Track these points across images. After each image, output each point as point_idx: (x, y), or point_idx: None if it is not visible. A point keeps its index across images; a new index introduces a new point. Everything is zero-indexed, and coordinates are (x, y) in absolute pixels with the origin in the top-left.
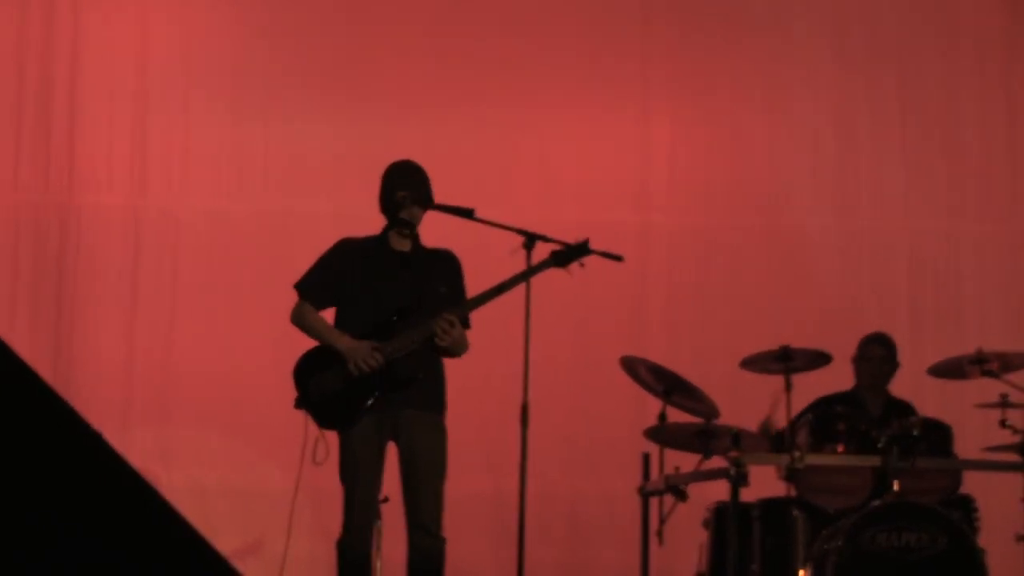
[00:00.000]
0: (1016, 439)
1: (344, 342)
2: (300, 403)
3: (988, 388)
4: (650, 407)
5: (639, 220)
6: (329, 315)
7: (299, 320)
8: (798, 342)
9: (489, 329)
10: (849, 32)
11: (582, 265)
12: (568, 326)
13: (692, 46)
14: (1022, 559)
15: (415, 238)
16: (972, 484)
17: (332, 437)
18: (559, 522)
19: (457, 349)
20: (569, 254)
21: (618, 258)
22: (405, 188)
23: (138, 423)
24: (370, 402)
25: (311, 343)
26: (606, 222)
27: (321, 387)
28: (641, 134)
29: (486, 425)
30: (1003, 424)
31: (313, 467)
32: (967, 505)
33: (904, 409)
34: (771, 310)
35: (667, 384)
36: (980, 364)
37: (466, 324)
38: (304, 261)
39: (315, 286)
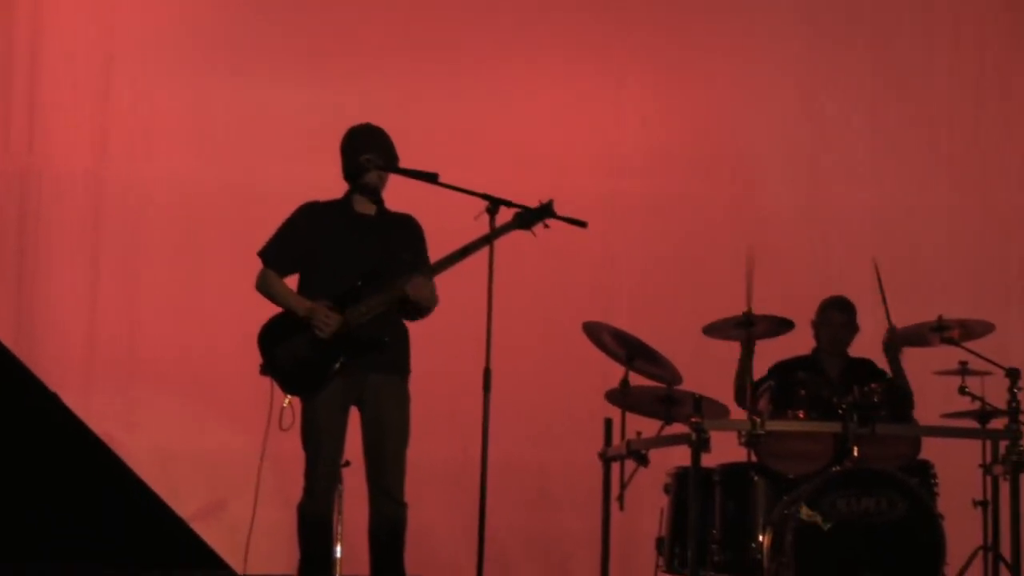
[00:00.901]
0: (975, 406)
1: (306, 308)
2: (265, 369)
3: (948, 355)
4: (613, 373)
5: (607, 187)
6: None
7: (264, 287)
8: (763, 309)
9: (453, 294)
10: (820, 4)
11: (546, 227)
12: (533, 292)
13: (664, 16)
14: (979, 524)
15: (379, 202)
16: (931, 450)
17: (297, 403)
18: (521, 487)
19: (428, 305)
20: (532, 216)
21: (582, 224)
22: (368, 151)
23: (101, 388)
24: (336, 367)
25: (276, 309)
26: (574, 189)
27: (288, 353)
28: (612, 102)
29: (449, 390)
30: (962, 391)
31: (274, 432)
32: (926, 471)
33: (864, 367)
34: (736, 277)
35: (630, 350)
36: (941, 331)
37: None
38: (269, 228)
39: (279, 253)
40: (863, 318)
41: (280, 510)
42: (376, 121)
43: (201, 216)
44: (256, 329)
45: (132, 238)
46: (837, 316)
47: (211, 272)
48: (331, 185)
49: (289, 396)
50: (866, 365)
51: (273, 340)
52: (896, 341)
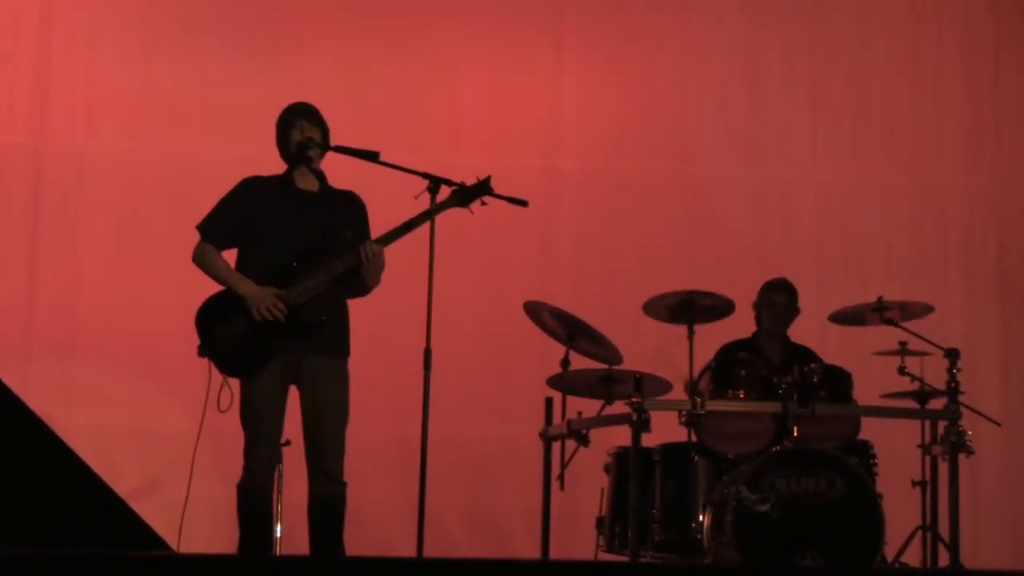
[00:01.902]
0: (914, 386)
1: (246, 287)
2: (203, 351)
3: (888, 335)
4: (554, 352)
5: (547, 165)
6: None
7: (200, 261)
8: (703, 288)
9: (393, 273)
10: None
11: (484, 203)
12: (473, 271)
13: None
14: (918, 504)
15: (322, 179)
16: (871, 430)
17: (235, 383)
18: (462, 466)
19: (372, 278)
20: (470, 192)
21: (523, 203)
22: (306, 128)
23: (39, 363)
24: (274, 348)
25: (217, 285)
26: (514, 167)
27: (226, 334)
28: (551, 80)
29: (389, 369)
30: (901, 371)
31: (215, 411)
32: (865, 451)
33: (805, 354)
34: (677, 257)
35: (570, 329)
36: (880, 312)
37: None
38: (210, 204)
39: (217, 227)
40: (805, 299)
41: (220, 489)
42: (316, 99)
43: (142, 192)
44: (197, 304)
45: (71, 214)
46: (781, 298)
47: (151, 249)
48: (271, 161)
49: (226, 377)
50: (807, 353)
51: (210, 321)
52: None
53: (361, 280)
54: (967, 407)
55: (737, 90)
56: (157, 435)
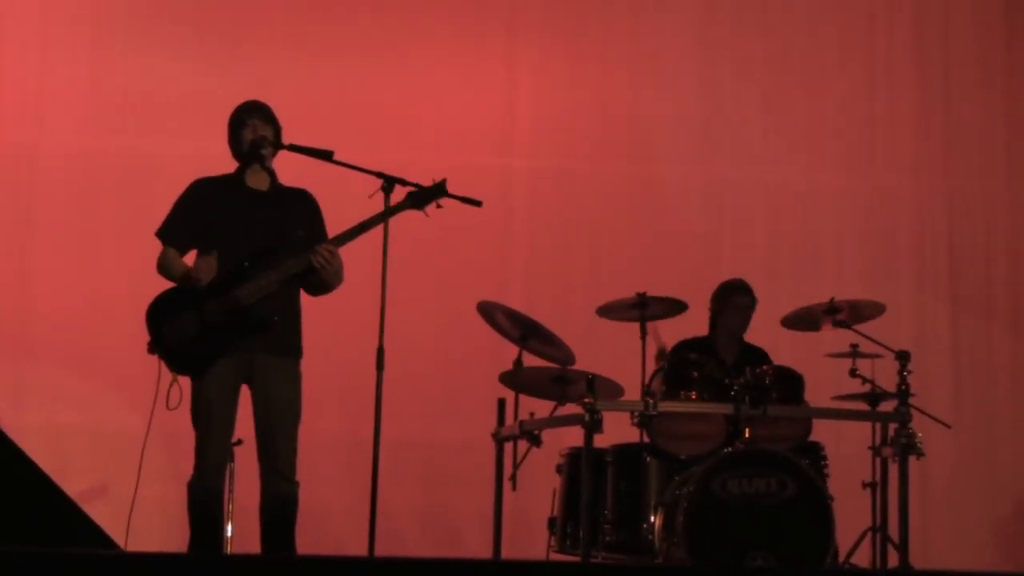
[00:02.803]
0: (865, 388)
1: (183, 269)
2: (153, 348)
3: (840, 338)
4: (507, 353)
5: (501, 165)
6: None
7: (163, 268)
8: (656, 290)
9: (347, 272)
10: None
11: (439, 206)
12: (427, 270)
13: None
14: (868, 505)
15: (273, 177)
16: (822, 432)
17: (185, 382)
18: (414, 466)
19: (333, 280)
20: (426, 195)
21: (476, 203)
22: (259, 127)
23: None
24: (225, 346)
25: (168, 283)
26: (468, 167)
27: (176, 332)
28: (505, 79)
29: (342, 368)
30: (853, 373)
31: (167, 409)
32: (816, 452)
33: (758, 356)
34: (630, 257)
35: (523, 330)
36: (832, 314)
37: None
38: (163, 201)
39: (175, 231)
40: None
41: (171, 488)
42: (269, 97)
43: (94, 188)
44: (148, 302)
45: (22, 211)
46: (744, 300)
47: (102, 246)
48: (224, 158)
49: (176, 375)
50: (760, 354)
51: (160, 318)
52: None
53: (321, 280)
54: (917, 409)
55: (691, 91)
56: (107, 434)
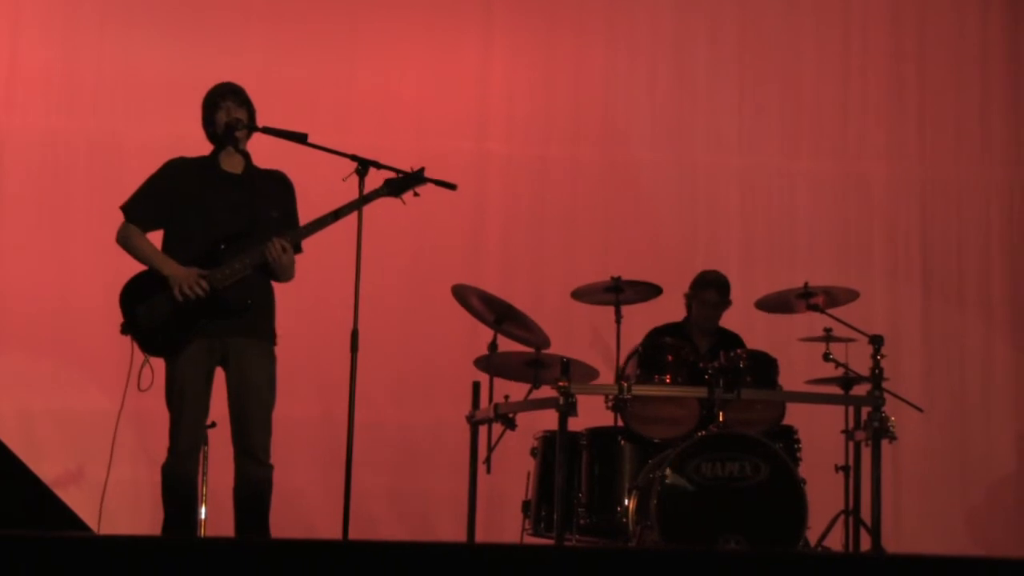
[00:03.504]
0: (839, 372)
1: (170, 267)
2: (126, 329)
3: (814, 322)
4: (482, 336)
5: (476, 149)
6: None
7: (124, 242)
8: (631, 274)
9: (321, 255)
10: None
11: (416, 195)
12: (402, 253)
13: None
14: (841, 489)
15: (247, 159)
16: (795, 416)
17: (158, 363)
18: (388, 449)
19: (284, 275)
20: (403, 183)
21: (451, 186)
22: (233, 109)
23: None
24: (197, 328)
25: (140, 267)
26: (443, 150)
27: (149, 314)
28: (480, 63)
29: (317, 351)
30: (826, 357)
31: (142, 392)
32: (789, 436)
33: (733, 341)
34: (605, 241)
35: (498, 313)
36: (806, 298)
37: (298, 249)
38: (133, 185)
39: (141, 208)
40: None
41: (143, 469)
42: (243, 79)
43: (63, 171)
44: (120, 286)
45: None
46: (712, 296)
47: (73, 228)
48: (197, 141)
49: (148, 356)
50: (735, 341)
51: (135, 299)
52: None
53: (273, 272)
54: (890, 393)
55: (665, 76)
56: (81, 417)
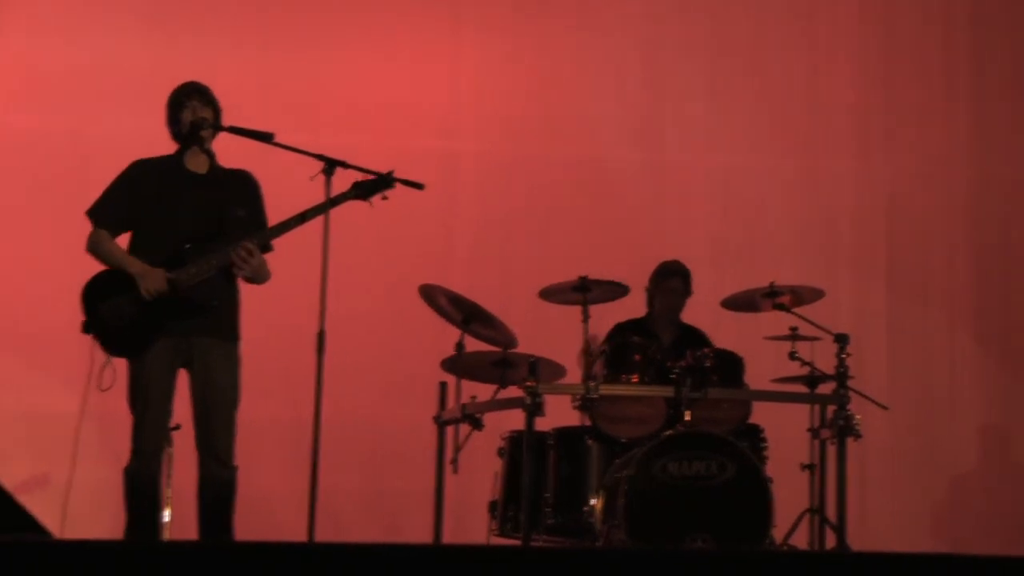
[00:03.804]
0: (805, 371)
1: (136, 267)
2: (88, 328)
3: (780, 321)
4: (449, 336)
5: (445, 148)
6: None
7: (94, 248)
8: (599, 273)
9: (288, 255)
10: None
11: (385, 198)
12: (369, 253)
13: None
14: (807, 487)
15: (212, 159)
16: (761, 414)
17: (120, 363)
18: (355, 450)
19: (258, 277)
20: (372, 186)
21: (419, 186)
22: (198, 109)
23: None
24: (161, 329)
25: (101, 265)
26: (412, 149)
27: (113, 313)
28: (449, 62)
29: (282, 352)
30: (792, 356)
31: (103, 392)
32: (755, 435)
33: (696, 336)
34: (574, 239)
35: (465, 313)
36: (772, 297)
37: (267, 248)
38: (99, 181)
39: (109, 212)
40: (700, 283)
41: (107, 470)
42: (209, 78)
43: (27, 169)
44: (81, 285)
45: None
46: (677, 283)
47: (37, 226)
48: (163, 139)
49: (109, 356)
50: (698, 335)
51: (97, 298)
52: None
53: (247, 279)
54: (855, 391)
55: (634, 74)
56: (44, 418)
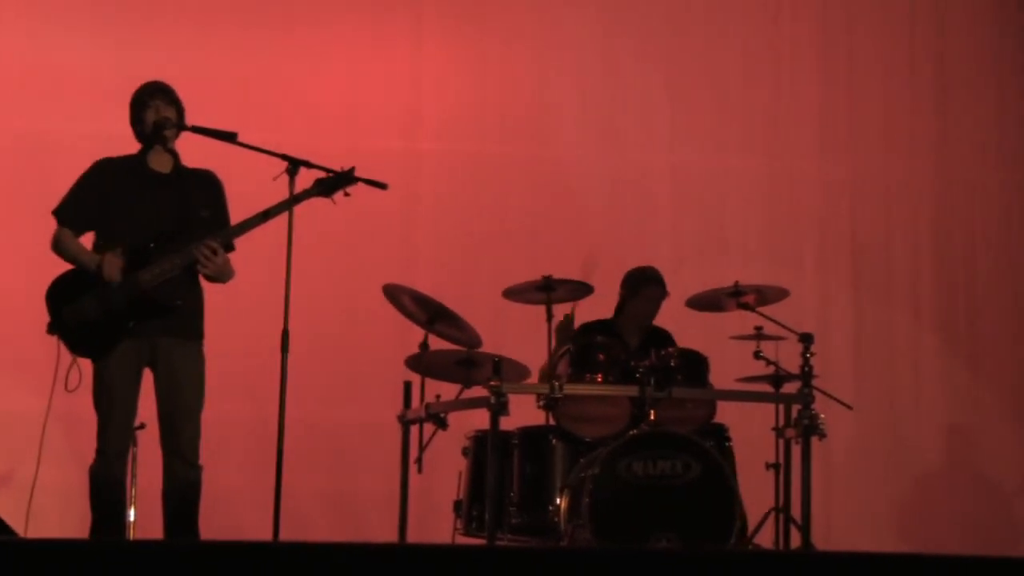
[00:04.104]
0: (769, 370)
1: (94, 261)
2: (52, 328)
3: (744, 320)
4: (413, 336)
5: (408, 148)
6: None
7: (58, 247)
8: (563, 272)
9: (252, 254)
10: None
11: (347, 194)
12: (333, 253)
13: None
14: (772, 486)
15: (176, 158)
16: (726, 414)
17: (86, 363)
18: (319, 450)
19: (222, 276)
20: (334, 183)
21: (382, 186)
22: (162, 108)
23: None
24: (125, 330)
25: (66, 265)
26: (374, 149)
27: (77, 314)
28: (411, 62)
29: (248, 351)
30: (757, 355)
31: (69, 392)
32: (720, 434)
33: (662, 337)
34: (536, 239)
35: (430, 313)
36: (737, 297)
37: (230, 248)
38: (62, 182)
39: (72, 211)
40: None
41: (72, 471)
42: (172, 78)
43: None
44: (45, 285)
45: None
46: (658, 292)
47: (0, 227)
48: (126, 140)
49: (75, 356)
50: (665, 336)
51: (61, 299)
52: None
53: (210, 278)
54: (820, 391)
55: (596, 74)
56: (8, 418)
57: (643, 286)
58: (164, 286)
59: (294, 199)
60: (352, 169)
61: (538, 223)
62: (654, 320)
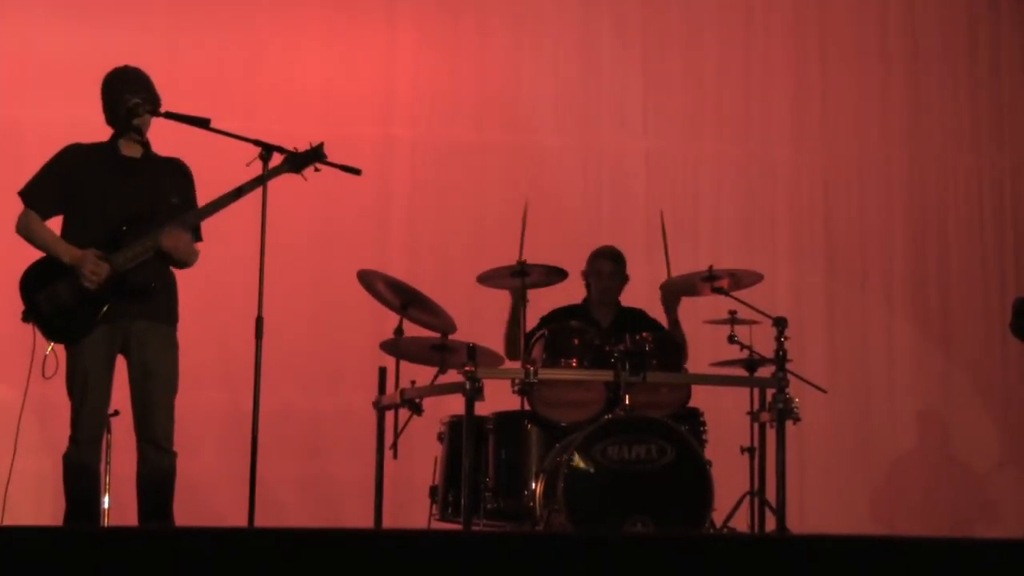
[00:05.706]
0: (744, 354)
1: (69, 254)
2: (28, 316)
3: (718, 304)
4: (388, 322)
5: (382, 134)
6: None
7: (24, 230)
8: (537, 258)
9: (225, 240)
10: None
11: (317, 170)
12: (307, 239)
13: None
14: (746, 470)
15: (146, 145)
16: (701, 398)
17: (61, 351)
18: (294, 436)
19: (187, 259)
20: (303, 158)
21: (356, 171)
22: (134, 94)
23: None
24: (100, 315)
25: (39, 253)
26: (349, 135)
27: (51, 300)
28: (385, 48)
29: (222, 338)
30: (731, 340)
31: (41, 381)
32: (695, 418)
33: (636, 317)
34: (511, 225)
35: (404, 298)
36: (711, 281)
37: (197, 237)
38: (29, 169)
39: (41, 194)
40: (636, 267)
41: (47, 460)
42: (145, 64)
43: None
44: (19, 273)
45: None
46: (606, 266)
47: None
48: (97, 127)
49: (52, 343)
50: (637, 314)
51: (35, 286)
52: (674, 291)
53: (171, 259)
54: (794, 375)
55: (571, 60)
56: None
57: (594, 261)
58: (139, 269)
59: (266, 175)
60: (321, 144)
61: (512, 208)
62: (620, 300)
